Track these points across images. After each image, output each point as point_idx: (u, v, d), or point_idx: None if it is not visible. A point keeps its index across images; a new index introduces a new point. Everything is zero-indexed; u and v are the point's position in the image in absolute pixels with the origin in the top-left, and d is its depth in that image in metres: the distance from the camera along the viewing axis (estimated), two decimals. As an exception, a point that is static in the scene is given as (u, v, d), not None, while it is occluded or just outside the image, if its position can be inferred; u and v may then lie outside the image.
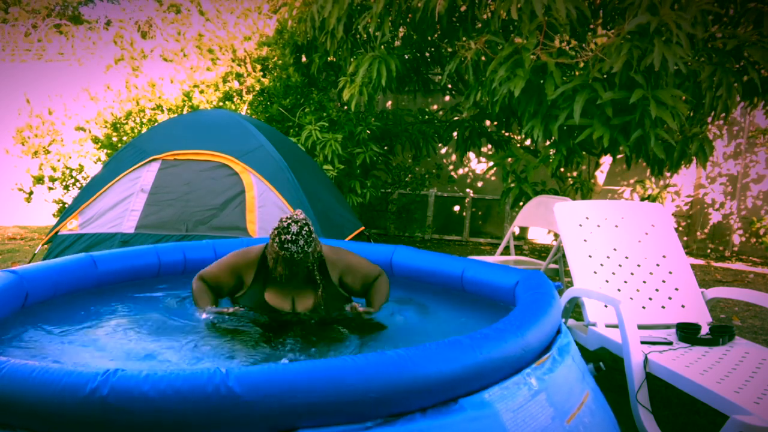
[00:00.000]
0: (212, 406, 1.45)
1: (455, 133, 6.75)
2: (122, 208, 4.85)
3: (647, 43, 4.03)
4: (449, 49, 5.83)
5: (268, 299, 2.62)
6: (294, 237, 2.42)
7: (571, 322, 3.21)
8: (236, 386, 1.46)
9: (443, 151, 8.72)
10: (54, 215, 7.42)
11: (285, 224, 2.45)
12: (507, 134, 6.82)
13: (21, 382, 1.50)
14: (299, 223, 2.46)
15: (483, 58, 4.86)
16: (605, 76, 4.46)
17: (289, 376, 1.52)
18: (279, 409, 1.49)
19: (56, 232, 4.95)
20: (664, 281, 3.28)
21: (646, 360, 2.56)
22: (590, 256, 3.30)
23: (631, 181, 8.27)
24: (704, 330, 3.03)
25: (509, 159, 5.79)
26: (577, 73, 4.55)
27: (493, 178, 8.69)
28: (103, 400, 1.43)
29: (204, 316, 2.58)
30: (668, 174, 7.68)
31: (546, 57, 4.42)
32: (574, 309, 3.33)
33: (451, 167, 8.89)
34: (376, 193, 7.00)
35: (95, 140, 7.04)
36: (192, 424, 1.46)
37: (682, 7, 4.16)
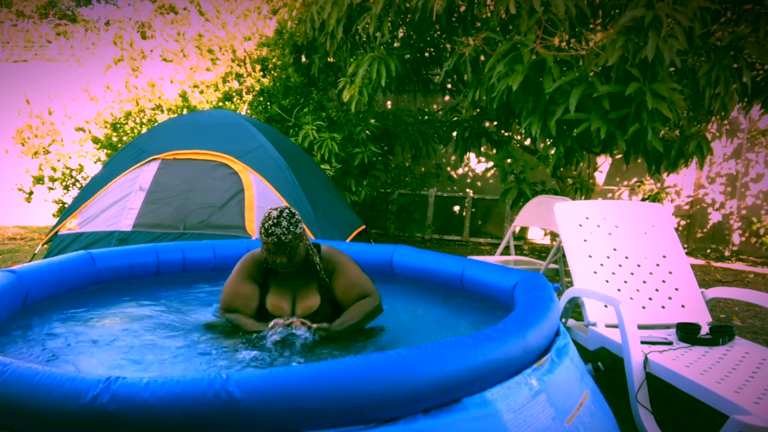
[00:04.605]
0: (213, 411, 1.44)
1: (455, 133, 6.76)
2: (120, 206, 4.85)
3: (643, 37, 4.02)
4: (449, 47, 5.82)
5: (268, 305, 2.62)
6: (276, 220, 2.45)
7: (571, 322, 3.21)
8: (236, 391, 1.45)
9: (443, 151, 8.73)
10: (54, 215, 7.42)
11: (266, 213, 2.51)
12: (506, 134, 6.82)
13: (24, 385, 1.51)
14: (279, 209, 2.50)
15: (482, 57, 4.86)
16: (601, 70, 4.46)
17: (290, 380, 1.51)
18: (280, 414, 1.48)
19: (56, 232, 4.95)
20: (664, 281, 3.28)
21: (646, 360, 2.56)
22: (590, 256, 3.30)
23: (631, 182, 8.27)
24: (704, 330, 3.02)
25: (508, 159, 5.78)
26: (576, 73, 4.55)
27: (491, 180, 8.69)
28: (104, 408, 1.43)
29: (272, 332, 2.42)
30: (666, 174, 7.69)
31: (544, 51, 4.42)
32: (574, 309, 3.33)
33: (450, 167, 8.89)
34: (372, 192, 6.99)
35: (95, 140, 7.04)
36: (193, 431, 1.46)
37: (683, 3, 4.15)
